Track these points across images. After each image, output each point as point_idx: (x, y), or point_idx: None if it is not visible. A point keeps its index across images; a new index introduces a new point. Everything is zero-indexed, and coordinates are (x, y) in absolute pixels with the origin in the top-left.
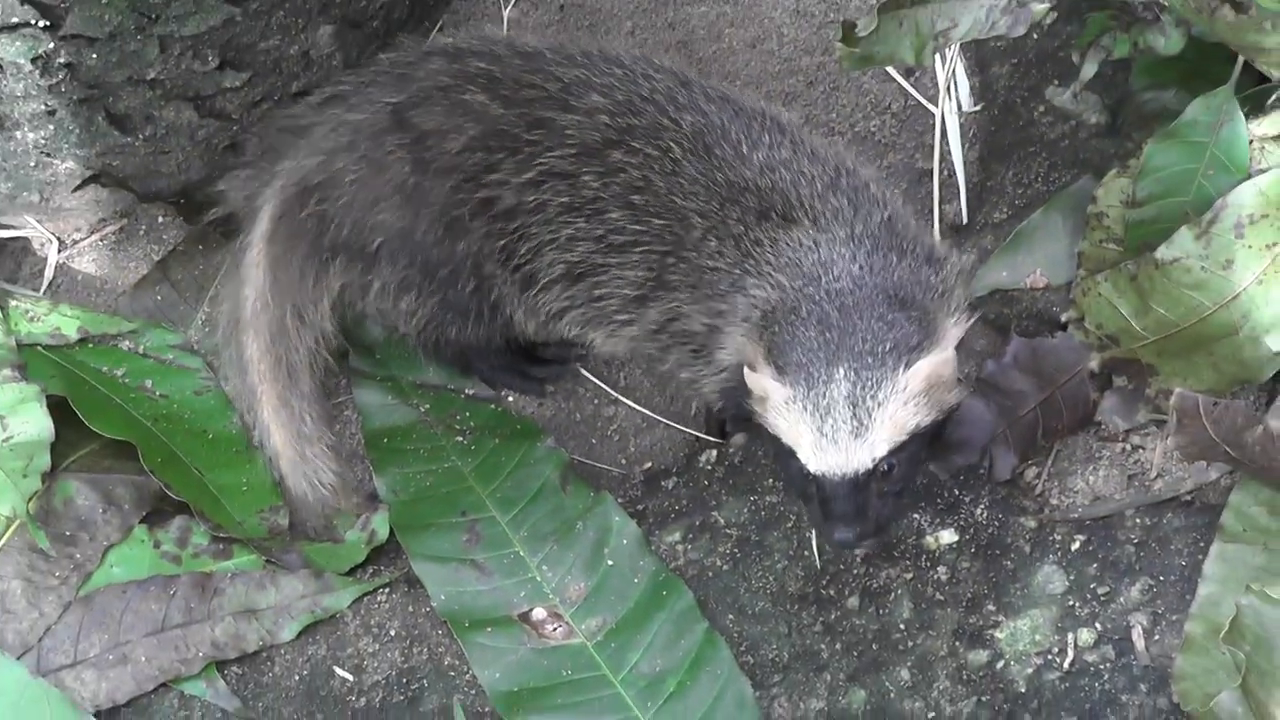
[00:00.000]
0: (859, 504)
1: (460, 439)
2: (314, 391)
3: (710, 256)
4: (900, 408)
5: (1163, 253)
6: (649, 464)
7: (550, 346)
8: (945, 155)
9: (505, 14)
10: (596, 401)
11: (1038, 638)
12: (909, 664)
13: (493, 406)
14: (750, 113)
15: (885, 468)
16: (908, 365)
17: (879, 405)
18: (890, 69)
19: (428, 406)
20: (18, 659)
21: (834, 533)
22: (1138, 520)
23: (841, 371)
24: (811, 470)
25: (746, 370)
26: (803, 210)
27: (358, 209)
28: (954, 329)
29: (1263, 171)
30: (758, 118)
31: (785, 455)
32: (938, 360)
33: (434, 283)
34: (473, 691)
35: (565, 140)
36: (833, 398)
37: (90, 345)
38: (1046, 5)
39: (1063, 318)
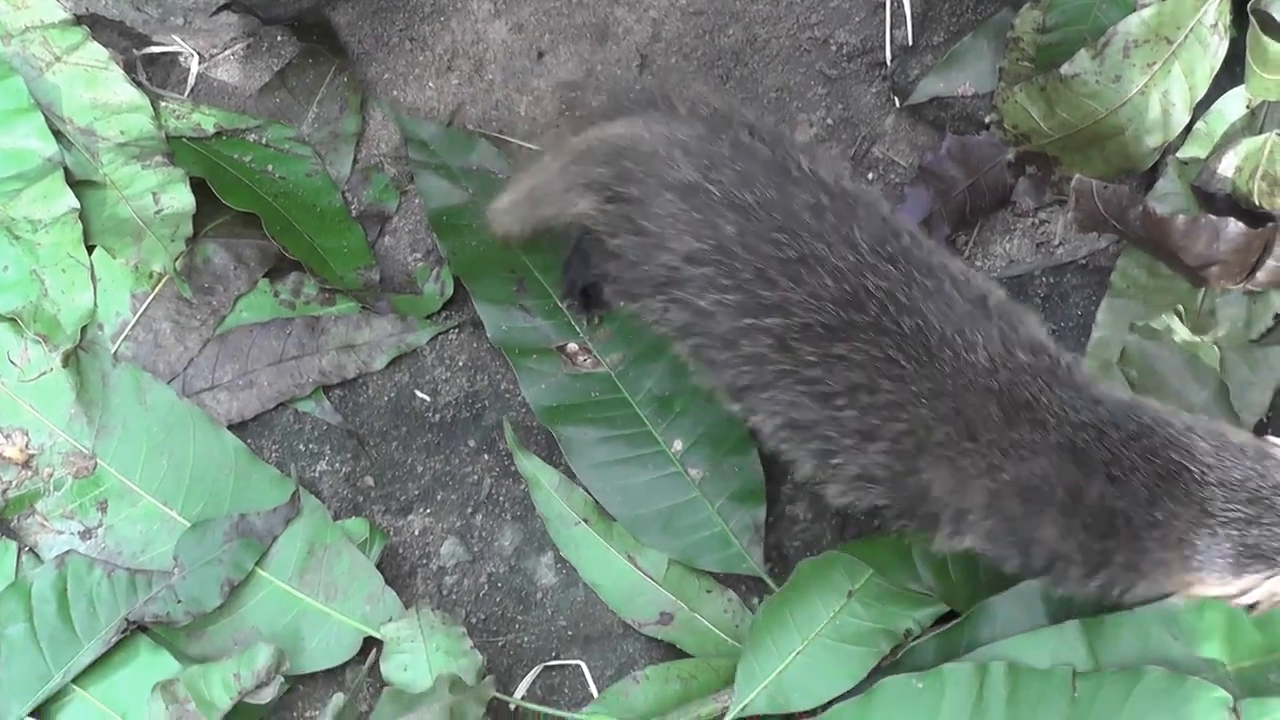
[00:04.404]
0: None
1: None
2: (535, 221)
3: (970, 457)
4: None
5: (1066, 69)
6: None
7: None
8: None
9: None
10: None
11: None
12: None
13: None
14: (961, 311)
15: None
16: None
17: None
18: None
19: (473, 189)
20: (168, 384)
21: None
22: (1044, 279)
23: None
24: None
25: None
26: (1043, 409)
27: (629, 209)
28: None
29: (1145, 6)
30: (968, 316)
31: None
32: None
33: (634, 300)
34: (523, 410)
35: (789, 312)
36: None
37: (224, 137)
38: None
39: (986, 119)
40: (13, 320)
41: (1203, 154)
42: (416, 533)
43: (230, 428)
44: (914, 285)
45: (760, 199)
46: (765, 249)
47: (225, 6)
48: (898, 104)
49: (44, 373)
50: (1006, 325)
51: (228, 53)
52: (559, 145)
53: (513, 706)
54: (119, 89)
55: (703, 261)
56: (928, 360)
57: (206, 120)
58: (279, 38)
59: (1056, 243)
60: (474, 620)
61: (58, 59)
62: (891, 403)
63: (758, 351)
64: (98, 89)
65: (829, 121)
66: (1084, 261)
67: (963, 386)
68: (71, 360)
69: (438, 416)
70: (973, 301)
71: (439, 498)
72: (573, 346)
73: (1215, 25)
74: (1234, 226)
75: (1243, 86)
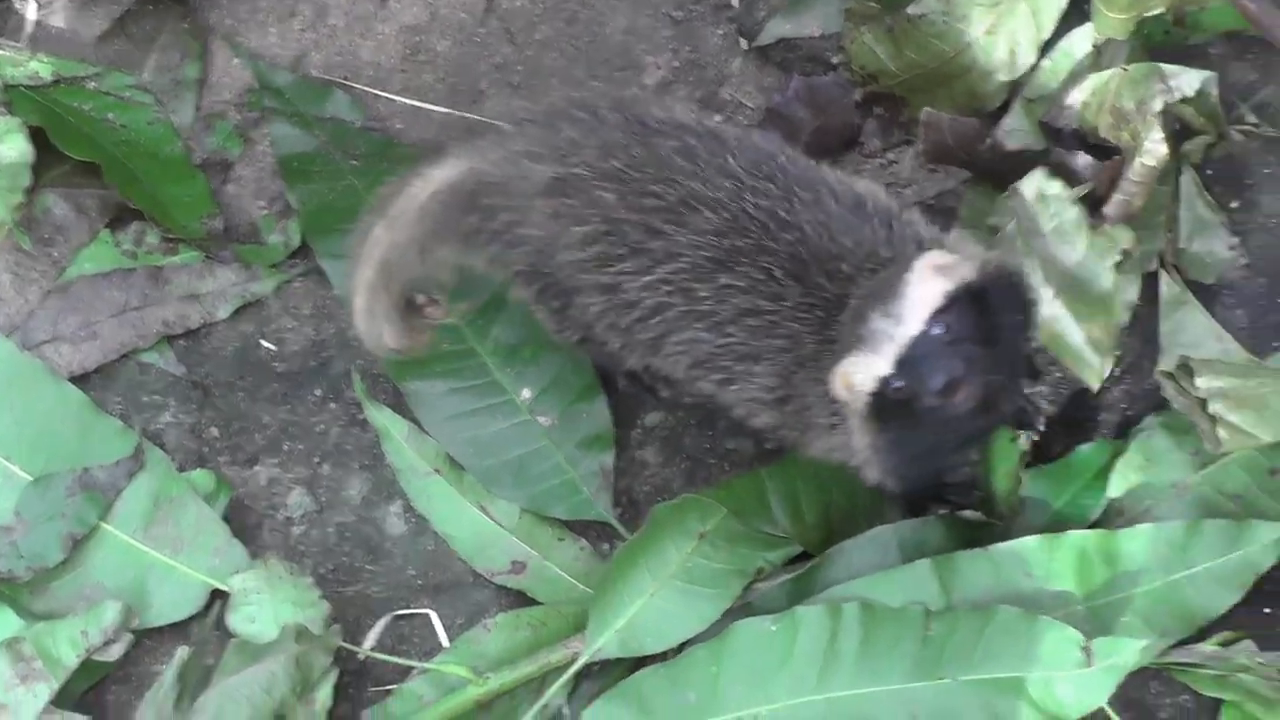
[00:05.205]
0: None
1: (355, 163)
2: (398, 298)
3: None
4: None
5: (913, 9)
6: None
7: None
8: None
9: None
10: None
11: None
12: None
13: (378, 136)
14: (837, 217)
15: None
16: None
17: None
18: None
19: (326, 137)
20: (8, 336)
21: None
22: None
23: None
24: None
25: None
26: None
27: (506, 237)
28: None
29: None
30: (842, 221)
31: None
32: None
33: (561, 322)
34: (371, 359)
35: (679, 256)
36: None
37: (63, 86)
38: None
39: (834, 60)
40: None
41: (1049, 91)
42: (263, 483)
43: (72, 380)
44: (794, 199)
45: (629, 161)
46: (647, 203)
47: None
48: (745, 46)
49: None
50: (882, 224)
51: None
52: (385, 212)
53: (361, 656)
54: None
55: (595, 240)
56: (803, 274)
57: (44, 68)
58: None
59: (905, 183)
60: (322, 571)
61: None
62: (771, 321)
63: (659, 301)
64: None
65: (676, 64)
66: (932, 201)
67: (836, 297)
68: None
69: (284, 366)
70: (850, 207)
71: (286, 448)
72: (420, 298)
73: None
74: (1082, 159)
75: (1089, 24)
